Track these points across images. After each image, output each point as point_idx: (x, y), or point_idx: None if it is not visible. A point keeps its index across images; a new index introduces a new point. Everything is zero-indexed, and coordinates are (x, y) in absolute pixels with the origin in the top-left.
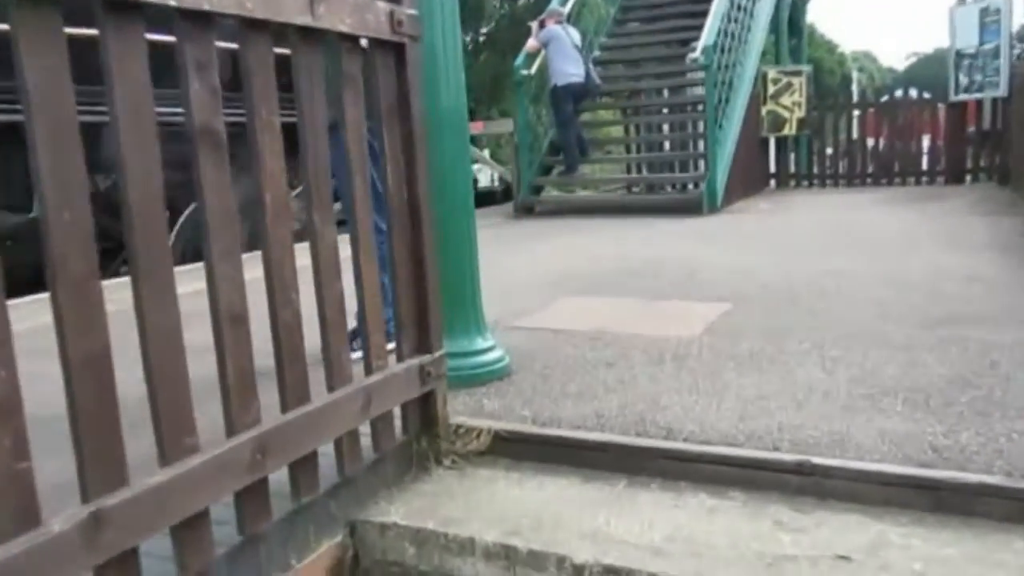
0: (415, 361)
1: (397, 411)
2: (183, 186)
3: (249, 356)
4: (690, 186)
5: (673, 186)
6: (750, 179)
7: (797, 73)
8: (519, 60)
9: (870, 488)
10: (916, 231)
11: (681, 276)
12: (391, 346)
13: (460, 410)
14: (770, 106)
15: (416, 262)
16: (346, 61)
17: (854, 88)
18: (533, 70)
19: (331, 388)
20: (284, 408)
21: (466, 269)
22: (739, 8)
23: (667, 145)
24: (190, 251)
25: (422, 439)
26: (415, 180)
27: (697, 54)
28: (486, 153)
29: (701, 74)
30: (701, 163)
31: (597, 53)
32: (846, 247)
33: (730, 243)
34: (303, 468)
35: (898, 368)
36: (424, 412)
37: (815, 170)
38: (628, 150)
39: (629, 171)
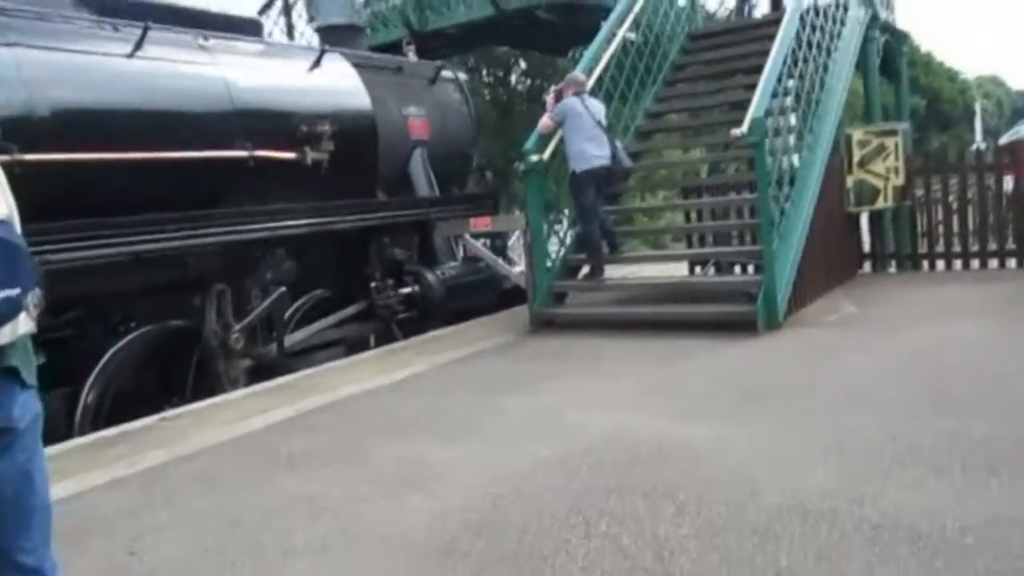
0: None
1: None
2: None
3: None
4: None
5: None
6: (833, 266)
7: (891, 133)
8: (529, 143)
9: None
10: None
11: (657, 556)
12: None
13: None
14: (858, 175)
15: None
16: None
17: (977, 122)
18: (547, 154)
19: None
20: None
21: None
22: (807, 61)
23: (717, 237)
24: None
25: None
26: None
27: (743, 129)
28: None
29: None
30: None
31: (641, 122)
32: (987, 437)
33: (780, 413)
34: None
35: None
36: None
37: (922, 249)
38: (690, 242)
39: (692, 268)
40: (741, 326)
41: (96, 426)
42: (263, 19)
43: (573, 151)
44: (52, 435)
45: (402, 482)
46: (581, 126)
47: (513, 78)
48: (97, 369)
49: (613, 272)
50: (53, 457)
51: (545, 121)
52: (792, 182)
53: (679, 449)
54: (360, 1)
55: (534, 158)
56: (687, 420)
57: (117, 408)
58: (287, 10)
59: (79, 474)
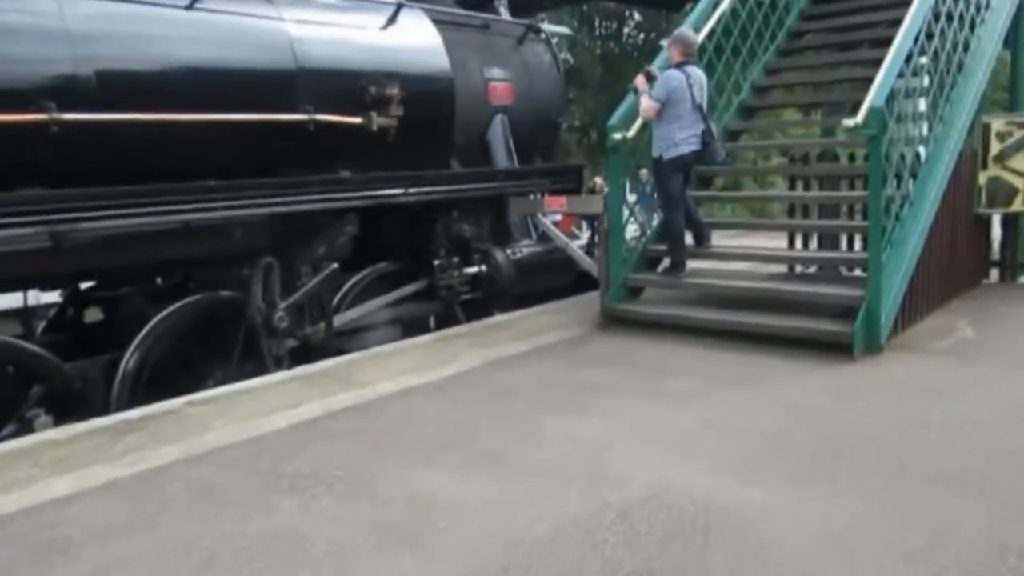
0: None
1: None
2: None
3: None
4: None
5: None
6: (952, 275)
7: None
8: (613, 119)
9: None
10: None
11: None
12: None
13: None
14: (993, 171)
15: None
16: None
17: None
18: (632, 131)
19: None
20: None
21: None
22: (944, 35)
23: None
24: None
25: None
26: None
27: (858, 119)
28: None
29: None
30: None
31: (745, 96)
32: None
33: (861, 481)
34: None
35: None
36: None
37: None
38: (792, 241)
39: (792, 268)
40: (834, 347)
41: (135, 395)
42: None
43: (662, 133)
44: (90, 405)
45: (401, 530)
46: (678, 109)
47: (625, 31)
48: (140, 335)
49: (699, 264)
50: (69, 441)
51: (649, 104)
52: (914, 176)
53: (729, 521)
54: None
55: (618, 136)
56: (746, 477)
57: (159, 377)
58: None
59: (80, 469)
